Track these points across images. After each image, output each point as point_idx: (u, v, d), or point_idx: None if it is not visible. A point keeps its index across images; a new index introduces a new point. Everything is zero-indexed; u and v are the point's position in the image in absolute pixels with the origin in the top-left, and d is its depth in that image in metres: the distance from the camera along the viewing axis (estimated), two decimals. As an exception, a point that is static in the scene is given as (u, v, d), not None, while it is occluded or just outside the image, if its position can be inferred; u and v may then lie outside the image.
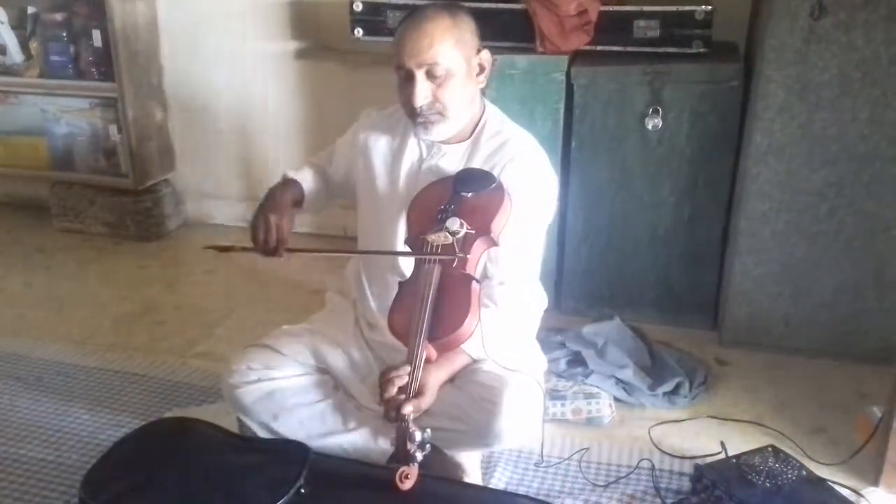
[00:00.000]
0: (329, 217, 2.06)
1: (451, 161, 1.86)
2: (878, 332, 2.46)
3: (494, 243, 1.72)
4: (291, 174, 1.99)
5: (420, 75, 1.73)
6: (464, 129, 1.86)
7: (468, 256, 1.66)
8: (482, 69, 1.82)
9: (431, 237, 1.69)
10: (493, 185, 1.76)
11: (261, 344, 1.92)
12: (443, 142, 1.87)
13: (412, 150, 1.91)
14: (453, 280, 1.65)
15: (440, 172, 1.85)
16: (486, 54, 1.82)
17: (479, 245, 1.70)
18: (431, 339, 1.60)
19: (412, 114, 1.78)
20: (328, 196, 2.06)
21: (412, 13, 1.79)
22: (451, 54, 1.73)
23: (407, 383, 1.57)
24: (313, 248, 1.95)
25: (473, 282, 1.66)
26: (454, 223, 1.67)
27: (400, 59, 1.75)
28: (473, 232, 1.68)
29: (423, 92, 1.74)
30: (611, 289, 2.75)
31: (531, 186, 1.82)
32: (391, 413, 1.56)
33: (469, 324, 1.61)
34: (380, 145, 1.94)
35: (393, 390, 1.58)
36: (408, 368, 1.58)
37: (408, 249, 1.78)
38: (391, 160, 1.93)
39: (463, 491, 1.73)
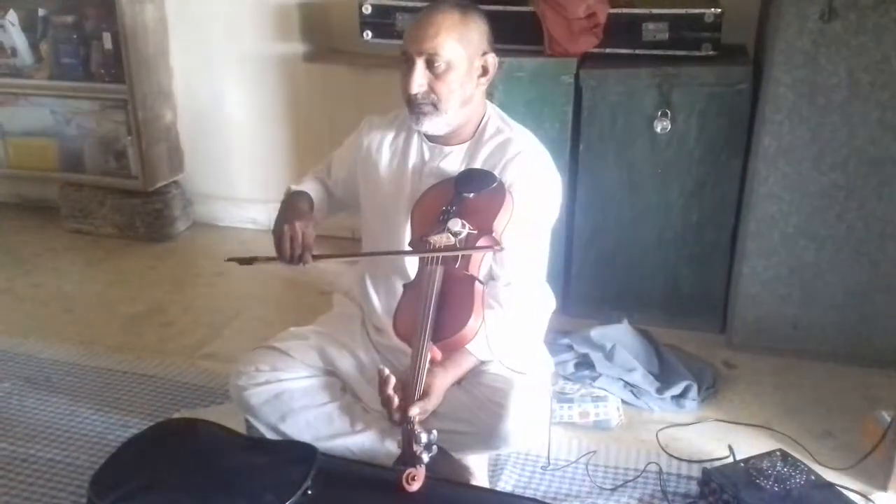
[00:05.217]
0: (336, 219, 2.07)
1: (453, 162, 1.87)
2: (887, 336, 2.45)
3: (497, 243, 1.72)
4: (295, 187, 1.99)
5: (420, 63, 1.75)
6: (465, 130, 1.87)
7: (475, 253, 1.66)
8: (485, 72, 1.83)
9: (433, 238, 1.70)
10: (494, 185, 1.77)
11: (268, 346, 1.93)
12: (444, 143, 1.88)
13: (415, 153, 1.91)
14: (456, 281, 1.66)
15: (442, 174, 1.86)
16: (491, 58, 1.83)
17: (481, 245, 1.70)
18: (435, 340, 1.60)
19: (407, 101, 1.79)
20: (330, 207, 2.05)
21: (428, 6, 1.81)
22: (454, 49, 1.74)
23: (411, 385, 1.57)
24: (336, 254, 1.92)
25: (476, 282, 1.66)
26: (456, 223, 1.68)
27: (405, 44, 1.77)
28: (475, 232, 1.69)
29: (418, 79, 1.75)
30: (619, 291, 2.75)
31: (533, 185, 1.82)
32: (395, 415, 1.57)
33: (473, 324, 1.61)
34: (383, 150, 1.95)
35: (388, 390, 1.58)
36: (399, 370, 1.59)
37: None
38: (395, 164, 1.93)
39: (469, 493, 1.73)
